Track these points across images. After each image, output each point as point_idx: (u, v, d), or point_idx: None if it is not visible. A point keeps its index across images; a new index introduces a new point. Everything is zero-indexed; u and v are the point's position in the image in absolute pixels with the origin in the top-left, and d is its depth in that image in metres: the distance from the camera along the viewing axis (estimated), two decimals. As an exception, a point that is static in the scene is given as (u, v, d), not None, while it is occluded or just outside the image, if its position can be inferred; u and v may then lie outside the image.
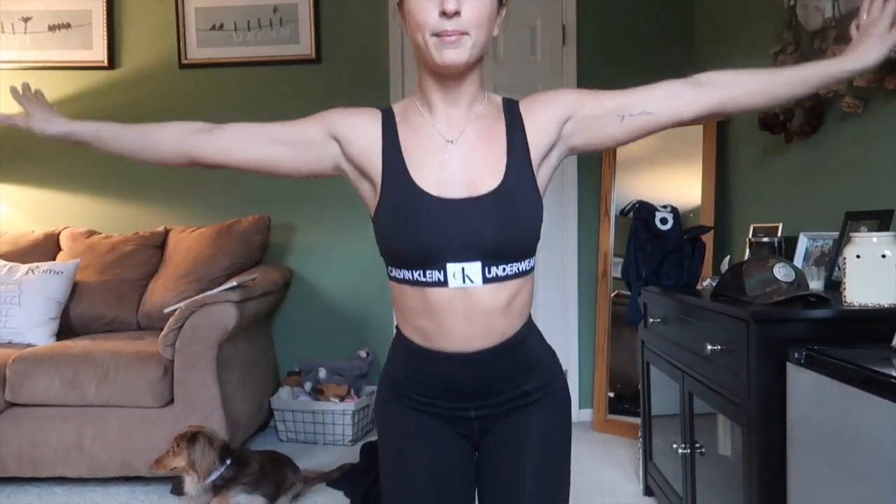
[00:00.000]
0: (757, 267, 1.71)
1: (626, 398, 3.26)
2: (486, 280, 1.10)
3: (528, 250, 1.14)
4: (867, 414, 1.10)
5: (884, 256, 1.51)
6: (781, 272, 1.67)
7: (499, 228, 1.09)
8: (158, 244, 3.41)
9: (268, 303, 3.19)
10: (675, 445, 2.06)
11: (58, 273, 3.08)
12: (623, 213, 2.46)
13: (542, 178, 1.16)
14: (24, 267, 3.10)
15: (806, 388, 1.32)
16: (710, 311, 1.79)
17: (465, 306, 1.11)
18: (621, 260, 2.60)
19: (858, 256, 1.54)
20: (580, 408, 3.46)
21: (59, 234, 3.46)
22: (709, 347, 1.72)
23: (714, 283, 2.04)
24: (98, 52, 3.63)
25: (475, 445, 1.24)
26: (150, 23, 3.64)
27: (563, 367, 1.29)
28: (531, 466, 1.18)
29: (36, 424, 2.62)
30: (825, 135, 2.22)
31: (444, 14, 1.04)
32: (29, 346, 2.88)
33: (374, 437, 3.21)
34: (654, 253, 2.35)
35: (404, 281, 1.13)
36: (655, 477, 2.38)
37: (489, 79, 3.51)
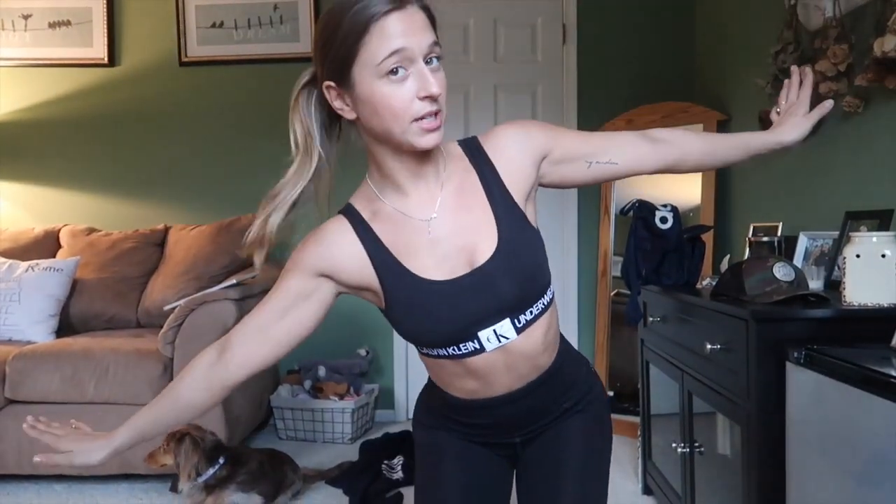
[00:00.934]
0: (757, 266, 1.71)
1: (625, 397, 3.26)
2: (519, 331, 1.10)
3: (546, 286, 1.14)
4: (866, 413, 1.10)
5: (883, 256, 1.51)
6: (781, 272, 1.67)
7: (513, 285, 1.08)
8: (158, 242, 3.41)
9: (267, 301, 3.19)
10: (674, 444, 2.06)
11: (58, 270, 3.08)
12: (623, 212, 2.46)
13: (529, 213, 1.13)
14: (24, 264, 3.10)
15: (805, 387, 1.32)
16: (709, 310, 1.79)
17: (506, 360, 1.12)
18: (621, 259, 2.60)
19: (858, 256, 1.54)
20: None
21: (59, 231, 3.46)
22: (708, 347, 1.72)
23: (714, 283, 2.04)
24: (98, 49, 3.63)
25: (515, 460, 1.26)
26: (150, 20, 3.64)
27: None
28: (571, 468, 1.19)
29: (35, 422, 2.62)
30: (825, 134, 2.21)
31: (428, 97, 0.98)
32: (29, 343, 2.88)
33: (373, 436, 3.21)
34: (654, 252, 2.35)
35: (440, 357, 1.13)
36: (654, 476, 2.38)
37: (490, 79, 3.53)
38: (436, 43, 1.01)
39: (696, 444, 1.95)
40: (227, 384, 1.16)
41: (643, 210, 2.37)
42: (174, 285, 3.14)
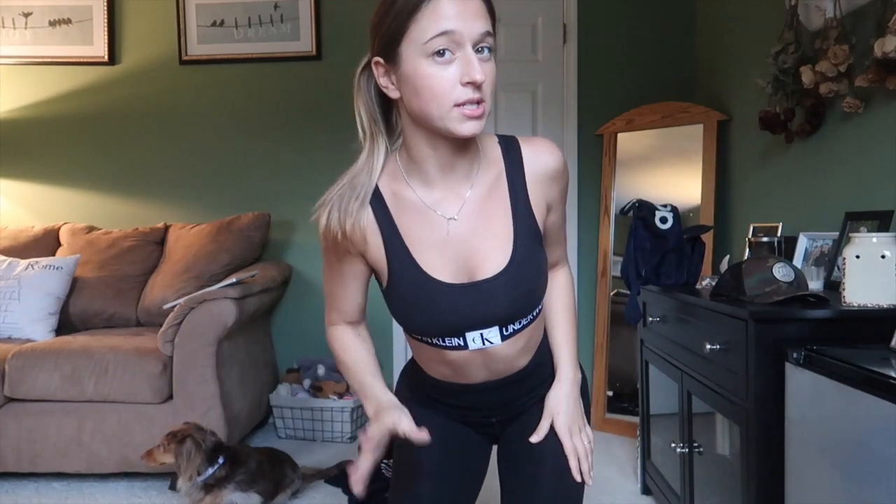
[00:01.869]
0: (756, 267, 1.71)
1: (624, 397, 3.26)
2: (504, 338, 1.12)
3: (540, 302, 1.16)
4: (866, 414, 1.10)
5: (883, 257, 1.51)
6: (781, 272, 1.67)
7: (510, 303, 1.09)
8: (158, 240, 3.41)
9: (267, 300, 3.19)
10: (673, 444, 2.06)
11: (57, 268, 3.08)
12: (623, 211, 2.46)
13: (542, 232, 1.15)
14: (24, 262, 3.10)
15: (804, 388, 1.32)
16: (709, 310, 1.79)
17: (484, 360, 1.14)
18: (621, 259, 2.60)
19: (858, 257, 1.54)
20: (579, 406, 3.46)
21: (58, 229, 3.46)
22: (708, 347, 1.72)
23: (713, 283, 2.04)
24: (98, 47, 3.63)
25: (495, 439, 1.29)
26: (150, 19, 3.63)
27: None
28: (549, 439, 1.20)
29: (35, 420, 2.62)
30: (826, 135, 2.22)
31: (471, 83, 0.97)
32: (28, 341, 2.88)
33: (372, 435, 3.19)
34: (654, 252, 2.35)
35: (422, 341, 1.15)
36: (653, 476, 2.38)
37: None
38: (489, 33, 1.00)
39: (696, 445, 1.95)
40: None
41: (643, 210, 2.37)
42: (174, 284, 3.14)
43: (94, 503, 2.54)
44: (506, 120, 3.53)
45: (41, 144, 3.66)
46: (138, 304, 3.22)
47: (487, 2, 1.01)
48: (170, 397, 2.63)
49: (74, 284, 3.16)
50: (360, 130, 1.10)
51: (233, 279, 2.84)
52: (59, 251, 3.35)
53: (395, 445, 1.29)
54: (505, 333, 1.11)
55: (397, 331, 3.47)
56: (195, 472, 2.26)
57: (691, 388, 1.96)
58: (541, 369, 1.23)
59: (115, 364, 2.62)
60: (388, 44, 1.00)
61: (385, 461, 2.70)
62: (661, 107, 3.24)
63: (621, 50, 3.47)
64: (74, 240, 3.38)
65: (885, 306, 1.51)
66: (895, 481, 1.03)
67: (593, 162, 3.43)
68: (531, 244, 1.11)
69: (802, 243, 2.17)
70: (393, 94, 1.04)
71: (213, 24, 3.59)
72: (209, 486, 2.29)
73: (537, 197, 1.12)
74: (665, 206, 2.37)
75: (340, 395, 3.23)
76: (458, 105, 0.98)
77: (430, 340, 1.13)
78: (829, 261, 1.99)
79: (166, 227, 3.45)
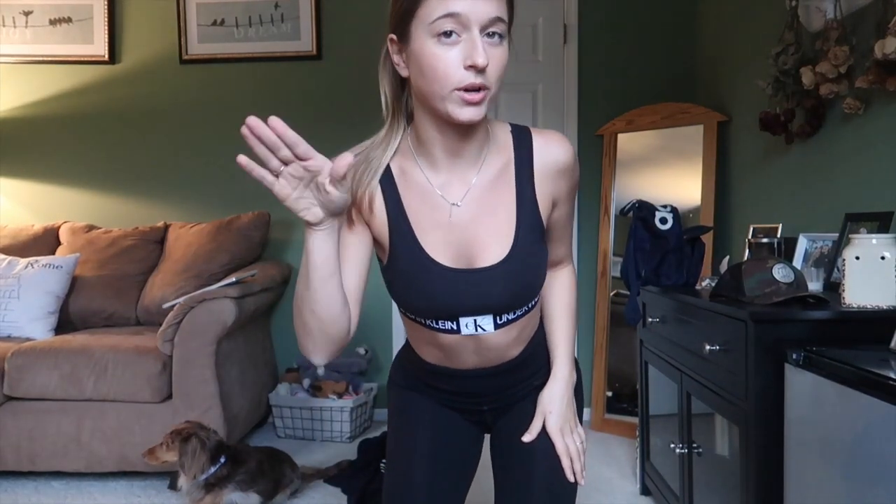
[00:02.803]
0: (756, 267, 1.71)
1: (624, 397, 3.26)
2: (497, 327, 1.12)
3: (536, 294, 1.16)
4: (865, 415, 1.10)
5: (883, 258, 1.51)
6: (780, 273, 1.66)
7: (507, 293, 1.09)
8: (158, 239, 3.41)
9: (267, 299, 3.19)
10: (672, 445, 2.06)
11: (57, 267, 3.08)
12: (623, 212, 2.46)
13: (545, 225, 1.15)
14: (24, 261, 3.10)
15: (804, 389, 1.32)
16: (708, 311, 1.79)
17: (475, 346, 1.14)
18: (620, 259, 2.60)
19: (858, 258, 1.54)
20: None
21: (58, 228, 3.46)
22: (707, 348, 1.72)
23: (713, 284, 2.04)
24: (99, 46, 3.63)
25: (488, 429, 1.29)
26: (151, 18, 3.63)
27: None
28: (543, 433, 1.20)
29: (34, 418, 2.62)
30: (826, 136, 2.22)
31: (472, 68, 0.96)
32: (28, 339, 2.88)
33: (371, 435, 3.21)
34: (654, 252, 2.35)
35: (416, 321, 1.15)
36: (653, 476, 2.39)
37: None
38: (500, 19, 0.99)
39: (695, 445, 1.95)
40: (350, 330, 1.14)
41: (643, 210, 2.37)
42: (173, 283, 3.14)
43: (93, 502, 2.54)
44: (506, 120, 3.52)
45: (41, 143, 3.66)
46: (138, 304, 3.22)
47: None
48: (169, 396, 2.63)
49: (74, 283, 3.16)
50: (383, 108, 1.11)
51: (232, 278, 2.84)
52: (59, 250, 3.35)
53: (388, 436, 1.29)
54: (498, 322, 1.11)
55: (396, 322, 3.47)
56: (199, 471, 2.26)
57: (691, 388, 1.96)
58: (532, 360, 1.23)
59: (114, 363, 2.62)
60: (400, 21, 1.01)
61: (383, 461, 2.70)
62: (661, 107, 3.24)
63: (622, 50, 3.47)
64: (74, 239, 3.38)
65: (884, 307, 1.51)
66: (894, 482, 1.03)
67: (593, 162, 3.43)
68: (532, 238, 1.10)
69: (802, 244, 2.17)
70: (403, 71, 1.05)
71: (214, 23, 3.59)
72: (210, 486, 2.29)
73: (544, 191, 1.11)
74: (665, 206, 2.37)
75: (340, 395, 3.23)
76: (458, 89, 0.97)
77: (424, 322, 1.13)
78: (829, 262, 1.99)
79: (166, 227, 3.46)
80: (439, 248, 1.08)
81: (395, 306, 3.48)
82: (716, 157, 3.04)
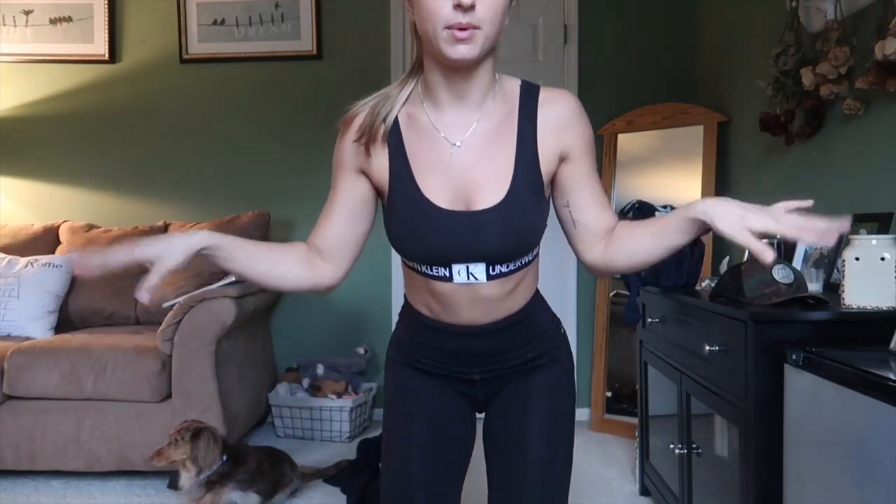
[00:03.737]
0: (756, 268, 1.71)
1: (623, 398, 3.26)
2: (490, 277, 1.12)
3: (531, 249, 1.16)
4: (864, 416, 1.10)
5: (883, 259, 1.51)
6: (780, 274, 1.66)
7: (499, 241, 1.10)
8: (158, 239, 3.40)
9: (266, 299, 3.19)
10: (672, 445, 2.06)
11: (57, 266, 3.08)
12: (623, 212, 2.46)
13: (546, 187, 1.14)
14: (24, 260, 3.10)
15: (803, 389, 1.32)
16: (708, 311, 1.79)
17: (469, 295, 1.14)
18: (620, 260, 2.60)
19: (857, 259, 1.54)
20: (577, 407, 3.47)
21: (58, 227, 3.46)
22: (707, 348, 1.72)
23: (713, 284, 2.04)
24: (99, 45, 3.63)
25: (479, 407, 1.29)
26: (151, 17, 3.64)
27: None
28: (536, 425, 1.20)
29: (33, 417, 2.62)
30: (826, 137, 2.22)
31: (458, 6, 0.99)
32: (27, 339, 2.88)
33: (371, 434, 3.21)
34: (654, 253, 2.35)
35: (413, 268, 1.17)
36: (652, 477, 2.38)
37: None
38: None
39: (694, 446, 1.95)
40: (317, 285, 1.20)
41: (643, 211, 2.37)
42: (173, 282, 3.14)
43: (92, 501, 2.54)
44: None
45: (41, 142, 3.66)
46: (137, 303, 3.22)
47: None
48: (168, 396, 2.63)
49: (74, 282, 3.16)
50: (412, 53, 1.15)
51: (232, 278, 2.84)
52: (59, 249, 3.35)
53: (384, 420, 1.30)
54: (491, 273, 1.12)
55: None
56: (213, 462, 2.27)
57: (690, 389, 1.96)
58: (526, 327, 1.21)
59: (113, 362, 2.62)
60: None
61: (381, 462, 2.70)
62: (661, 108, 3.24)
63: (622, 51, 3.47)
64: (74, 238, 3.38)
65: (884, 308, 1.52)
66: (893, 483, 1.03)
67: (593, 162, 3.43)
68: (529, 189, 1.11)
69: (802, 245, 2.17)
70: (409, 15, 1.09)
71: (214, 22, 3.59)
72: (211, 484, 2.29)
73: (547, 145, 1.11)
74: (665, 207, 2.37)
75: (339, 395, 3.23)
76: (448, 27, 1.00)
77: (419, 268, 1.14)
78: (829, 262, 1.99)
79: (166, 226, 3.45)
80: (438, 189, 1.10)
81: (394, 306, 3.48)
82: (716, 158, 3.04)
